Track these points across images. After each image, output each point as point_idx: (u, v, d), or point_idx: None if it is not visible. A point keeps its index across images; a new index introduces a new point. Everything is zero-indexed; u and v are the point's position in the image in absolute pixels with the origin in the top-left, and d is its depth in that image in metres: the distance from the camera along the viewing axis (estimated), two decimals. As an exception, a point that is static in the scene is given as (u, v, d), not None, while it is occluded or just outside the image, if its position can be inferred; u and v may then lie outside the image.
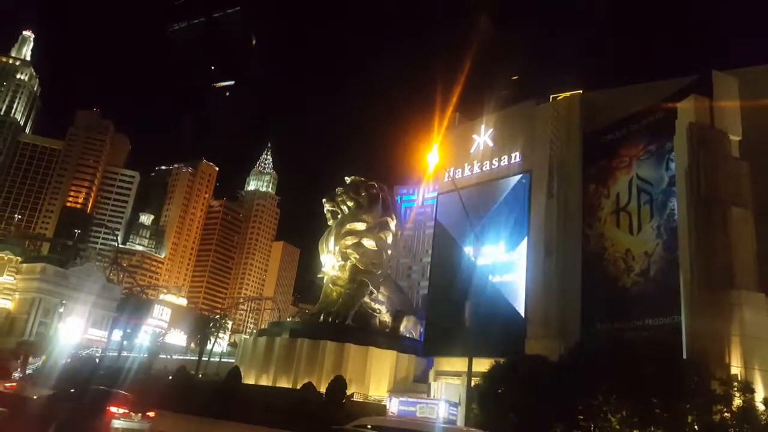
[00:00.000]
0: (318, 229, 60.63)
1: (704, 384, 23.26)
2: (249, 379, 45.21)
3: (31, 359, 68.40)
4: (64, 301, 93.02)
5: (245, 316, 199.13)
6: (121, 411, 21.93)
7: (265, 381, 45.66)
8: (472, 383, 27.58)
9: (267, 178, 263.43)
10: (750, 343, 25.72)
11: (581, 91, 46.91)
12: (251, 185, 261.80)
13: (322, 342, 45.26)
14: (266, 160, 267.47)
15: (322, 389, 36.59)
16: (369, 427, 13.88)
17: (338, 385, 34.07)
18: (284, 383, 43.91)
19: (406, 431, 13.61)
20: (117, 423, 21.52)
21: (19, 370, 58.21)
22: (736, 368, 25.14)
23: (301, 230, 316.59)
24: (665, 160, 35.04)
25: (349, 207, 54.25)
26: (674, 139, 33.10)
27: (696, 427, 22.22)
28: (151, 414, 23.54)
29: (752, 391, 23.34)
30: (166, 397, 33.62)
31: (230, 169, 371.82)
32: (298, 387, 39.82)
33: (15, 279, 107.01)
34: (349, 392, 37.32)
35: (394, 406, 18.41)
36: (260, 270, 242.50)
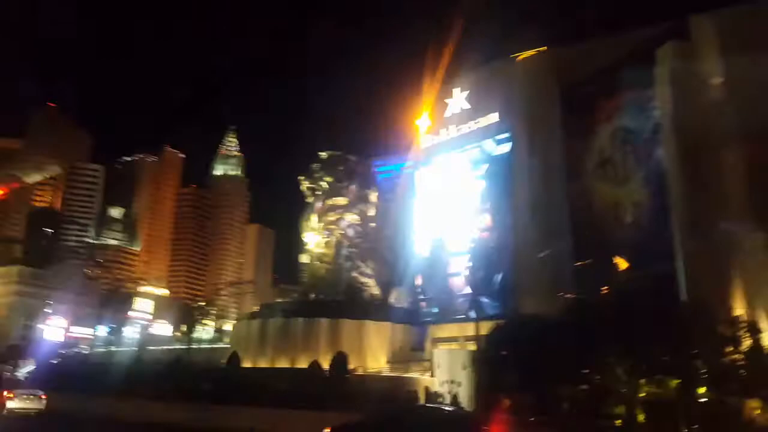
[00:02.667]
0: (292, 208, 59.68)
1: (710, 327, 22.96)
2: (246, 363, 44.71)
3: (20, 363, 67.03)
4: (49, 302, 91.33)
5: (228, 301, 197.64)
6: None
7: (263, 363, 45.28)
8: (472, 347, 27.45)
9: (234, 161, 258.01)
10: (752, 283, 25.65)
11: (545, 48, 45.90)
12: (218, 170, 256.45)
13: (317, 320, 45.03)
14: (231, 142, 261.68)
15: (324, 366, 36.40)
16: None
17: (341, 360, 33.95)
18: (283, 364, 43.58)
19: None
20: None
21: (10, 375, 57.14)
22: (740, 309, 25.06)
23: (275, 210, 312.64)
24: (647, 108, 34.91)
25: (328, 183, 53.35)
26: (656, 87, 32.95)
27: (705, 370, 22.15)
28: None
29: (759, 331, 23.11)
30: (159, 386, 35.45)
31: (197, 153, 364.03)
32: (297, 366, 39.58)
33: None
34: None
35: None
36: (237, 254, 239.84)
